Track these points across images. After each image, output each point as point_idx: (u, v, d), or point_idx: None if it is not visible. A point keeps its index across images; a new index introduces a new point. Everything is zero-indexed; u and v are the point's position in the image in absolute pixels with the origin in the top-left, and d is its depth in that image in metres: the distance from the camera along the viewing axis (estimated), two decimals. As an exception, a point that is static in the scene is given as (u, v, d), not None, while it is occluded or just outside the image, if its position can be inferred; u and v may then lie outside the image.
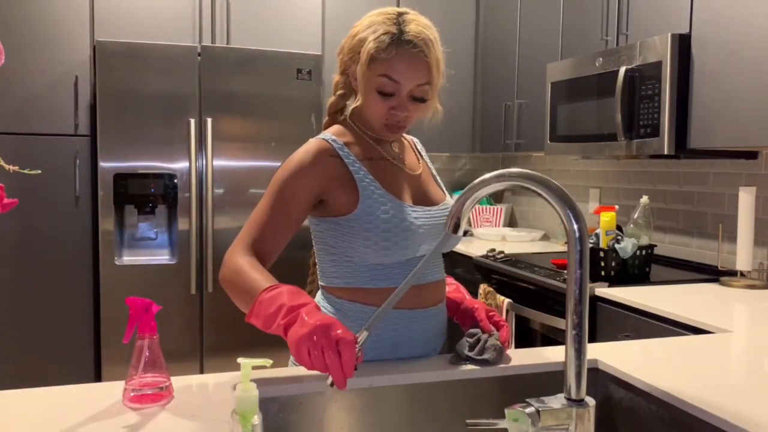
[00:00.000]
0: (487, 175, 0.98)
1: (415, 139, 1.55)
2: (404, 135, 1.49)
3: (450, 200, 1.45)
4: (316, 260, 1.41)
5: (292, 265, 3.27)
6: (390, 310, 1.31)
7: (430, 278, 1.36)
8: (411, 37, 1.25)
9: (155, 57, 3.08)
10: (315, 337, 1.00)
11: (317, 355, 0.99)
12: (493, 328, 1.34)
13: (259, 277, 1.17)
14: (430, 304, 1.36)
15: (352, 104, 1.37)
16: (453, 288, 1.47)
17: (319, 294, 1.41)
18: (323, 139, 1.32)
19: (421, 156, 1.51)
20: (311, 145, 1.32)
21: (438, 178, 1.51)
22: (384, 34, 1.25)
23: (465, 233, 3.97)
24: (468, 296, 1.45)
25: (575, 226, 0.91)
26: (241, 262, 1.22)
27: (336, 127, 1.38)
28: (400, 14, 1.29)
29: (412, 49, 1.25)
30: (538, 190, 0.93)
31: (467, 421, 0.95)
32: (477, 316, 1.36)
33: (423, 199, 1.39)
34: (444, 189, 1.49)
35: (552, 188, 0.92)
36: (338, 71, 1.39)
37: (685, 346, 1.47)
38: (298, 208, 1.29)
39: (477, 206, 3.95)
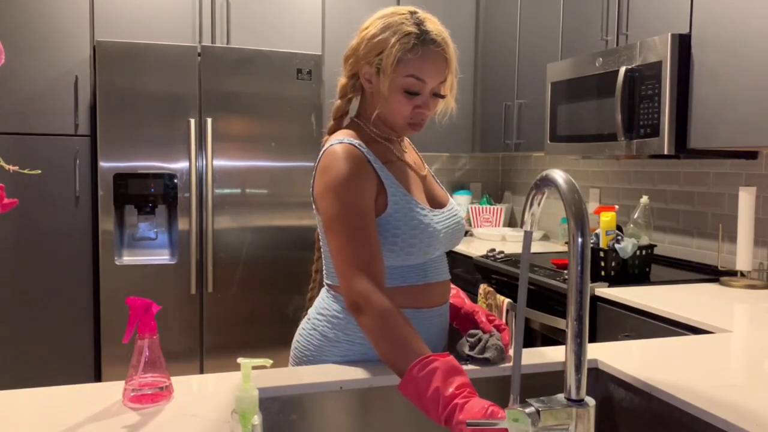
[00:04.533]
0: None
1: (409, 141, 1.55)
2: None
3: (453, 201, 1.48)
4: (324, 260, 1.41)
5: (292, 265, 3.29)
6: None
7: (437, 278, 1.37)
8: (434, 37, 1.28)
9: (155, 57, 3.08)
10: None
11: None
12: (493, 328, 1.35)
13: (408, 336, 1.13)
14: (436, 304, 1.37)
15: (368, 101, 1.36)
16: (453, 293, 1.48)
17: (323, 292, 1.41)
18: (351, 144, 1.30)
19: (419, 154, 1.53)
20: (345, 151, 1.28)
21: (435, 177, 1.53)
22: (406, 35, 1.26)
23: (465, 233, 3.98)
24: (468, 301, 1.47)
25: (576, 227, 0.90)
26: (385, 309, 1.17)
27: (349, 131, 1.35)
28: (412, 13, 1.30)
29: (436, 48, 1.28)
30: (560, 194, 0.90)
31: (467, 420, 0.95)
32: (477, 319, 1.37)
33: (433, 200, 1.41)
34: (444, 189, 1.51)
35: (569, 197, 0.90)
36: (345, 74, 1.37)
37: (685, 346, 1.47)
38: (373, 217, 1.27)
39: (477, 206, 3.95)
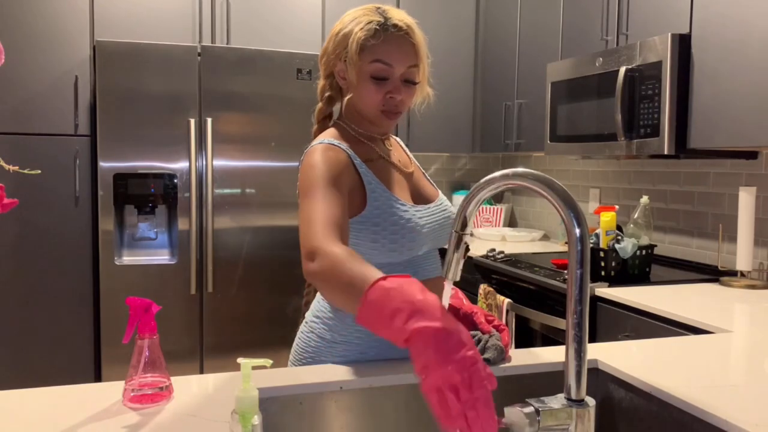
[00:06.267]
0: (493, 175, 0.98)
1: (398, 139, 1.56)
2: (390, 135, 1.50)
3: (443, 196, 1.48)
4: None
5: (292, 265, 3.29)
6: None
7: (427, 275, 1.38)
8: (396, 22, 1.31)
9: (155, 57, 3.08)
10: (462, 373, 0.73)
11: (460, 404, 0.73)
12: (492, 329, 1.34)
13: (366, 268, 0.97)
14: None
15: (346, 98, 1.38)
16: (452, 293, 1.47)
17: (319, 295, 1.41)
18: (330, 143, 1.31)
19: (408, 151, 1.54)
20: (325, 148, 1.29)
21: (426, 174, 1.54)
22: (369, 23, 1.30)
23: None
24: (466, 302, 1.46)
25: (576, 228, 0.91)
26: (338, 251, 1.04)
27: (331, 131, 1.37)
28: (377, 7, 1.34)
29: (398, 32, 1.30)
30: (542, 191, 0.93)
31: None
32: (476, 320, 1.37)
33: (420, 196, 1.42)
34: (434, 185, 1.51)
35: (555, 189, 0.92)
36: (322, 75, 1.40)
37: (685, 346, 1.47)
38: (344, 196, 1.24)
39: (477, 206, 3.95)
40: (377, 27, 1.29)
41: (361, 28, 1.29)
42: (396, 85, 1.32)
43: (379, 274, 0.92)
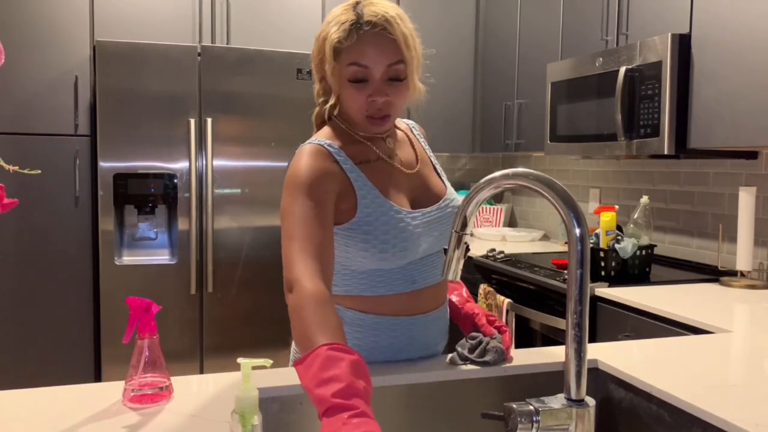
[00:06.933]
0: (493, 175, 0.97)
1: (411, 123, 1.48)
2: (398, 123, 1.42)
3: (451, 192, 1.41)
4: None
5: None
6: (388, 317, 1.29)
7: (429, 281, 1.33)
8: (370, 18, 1.20)
9: (155, 57, 3.08)
10: None
11: None
12: (494, 331, 1.33)
13: (324, 320, 1.04)
14: (430, 309, 1.34)
15: (332, 103, 1.31)
16: (457, 291, 1.45)
17: None
18: (319, 144, 1.26)
19: (419, 142, 1.44)
20: (312, 150, 1.24)
21: (437, 165, 1.45)
22: (343, 23, 1.21)
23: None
24: (470, 300, 1.44)
25: (576, 228, 0.91)
26: (310, 291, 1.08)
27: (326, 131, 1.31)
28: (358, 2, 1.24)
29: (373, 29, 1.20)
30: (542, 191, 0.93)
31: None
32: (477, 322, 1.36)
33: (422, 197, 1.35)
34: (444, 178, 1.43)
35: (556, 189, 0.92)
36: (316, 79, 1.33)
37: (685, 346, 1.47)
38: (327, 210, 1.19)
39: (477, 206, 3.95)
40: (350, 27, 1.20)
41: (336, 30, 1.21)
42: (377, 87, 1.23)
43: (327, 339, 0.99)
